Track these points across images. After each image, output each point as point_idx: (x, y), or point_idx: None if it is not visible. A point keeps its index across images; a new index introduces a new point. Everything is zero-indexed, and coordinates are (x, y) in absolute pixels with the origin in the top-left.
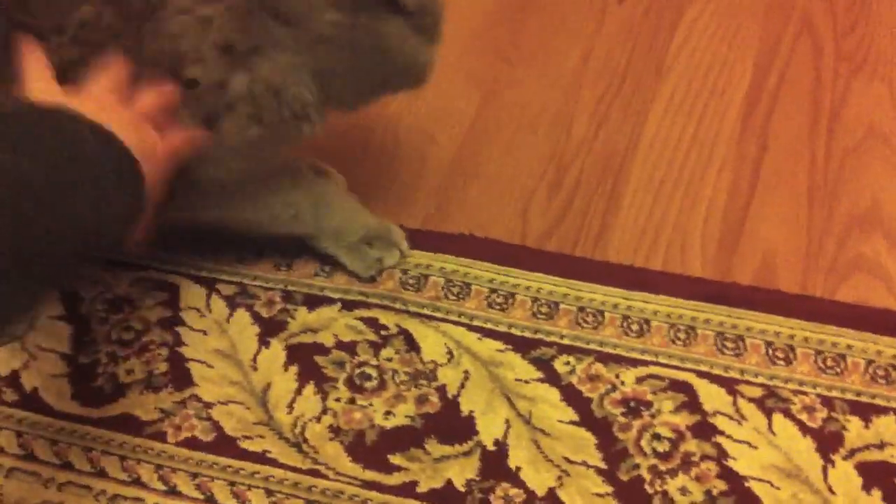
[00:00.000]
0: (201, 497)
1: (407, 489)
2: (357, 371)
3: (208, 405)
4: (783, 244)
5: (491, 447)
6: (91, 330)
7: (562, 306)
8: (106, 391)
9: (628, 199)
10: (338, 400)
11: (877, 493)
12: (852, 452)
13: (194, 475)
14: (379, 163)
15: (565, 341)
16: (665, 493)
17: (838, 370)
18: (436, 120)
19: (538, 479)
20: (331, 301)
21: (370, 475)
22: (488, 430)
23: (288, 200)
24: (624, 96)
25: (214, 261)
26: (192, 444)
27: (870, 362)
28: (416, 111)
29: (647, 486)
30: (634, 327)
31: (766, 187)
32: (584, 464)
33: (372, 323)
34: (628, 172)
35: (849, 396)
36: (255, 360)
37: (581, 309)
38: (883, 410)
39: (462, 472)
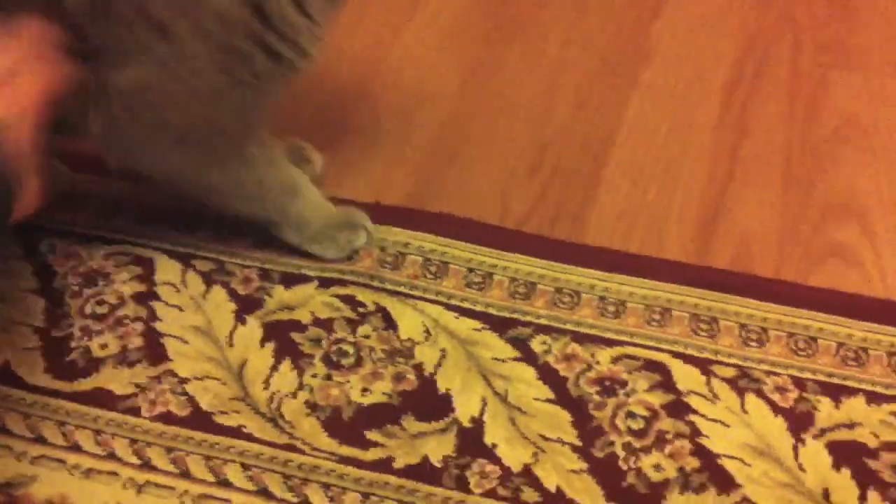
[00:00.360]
0: (176, 471)
1: (383, 465)
2: (334, 348)
3: (183, 380)
4: (759, 229)
5: (467, 424)
6: (64, 304)
7: (539, 287)
8: (79, 365)
9: (607, 183)
10: (314, 376)
11: (846, 472)
12: (823, 432)
13: (169, 449)
14: (359, 142)
15: (542, 321)
16: (639, 470)
17: (810, 352)
18: (416, 101)
19: (514, 456)
20: (308, 279)
21: (347, 451)
22: (465, 408)
23: (257, 174)
24: (604, 81)
25: (191, 236)
26: (166, 418)
27: (840, 345)
28: (397, 92)
29: (621, 463)
30: (611, 308)
31: (743, 173)
32: (560, 441)
33: (349, 300)
34: (607, 156)
35: (820, 378)
36: (231, 336)
37: (558, 290)
38: (853, 391)
39: (439, 448)
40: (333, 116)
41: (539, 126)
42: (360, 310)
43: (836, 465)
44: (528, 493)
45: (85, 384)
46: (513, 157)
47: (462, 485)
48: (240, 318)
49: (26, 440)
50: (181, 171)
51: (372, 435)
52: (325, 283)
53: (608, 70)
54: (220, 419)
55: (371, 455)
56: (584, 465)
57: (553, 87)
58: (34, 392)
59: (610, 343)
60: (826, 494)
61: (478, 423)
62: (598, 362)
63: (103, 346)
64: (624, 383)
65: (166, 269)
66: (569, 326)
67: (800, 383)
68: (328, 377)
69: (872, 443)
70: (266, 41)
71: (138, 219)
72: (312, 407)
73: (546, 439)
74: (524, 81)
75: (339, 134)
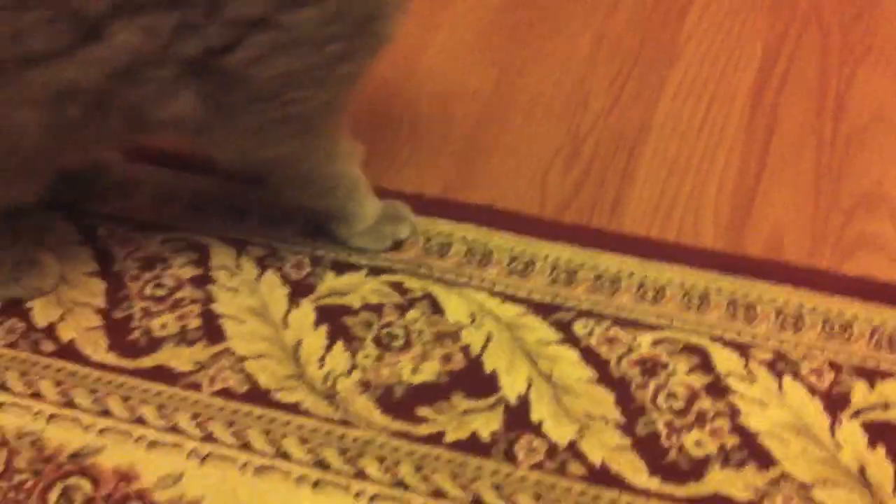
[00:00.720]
0: (237, 443)
1: (434, 439)
2: (384, 331)
3: (241, 359)
4: (791, 221)
5: (514, 402)
6: (124, 286)
7: (579, 274)
8: (141, 344)
9: (643, 174)
10: (366, 357)
11: (881, 450)
12: (858, 412)
13: (230, 423)
14: (398, 135)
15: (584, 306)
16: (681, 447)
17: (845, 337)
18: (454, 95)
19: (560, 432)
20: (358, 267)
21: (399, 426)
22: (511, 387)
23: (337, 167)
24: (636, 77)
25: (243, 224)
26: (226, 394)
27: (875, 330)
28: (434, 86)
29: (663, 440)
30: (650, 294)
31: (774, 166)
32: (604, 418)
33: (397, 287)
34: (642, 149)
35: (855, 362)
36: (285, 318)
37: (598, 277)
38: (888, 375)
39: (487, 424)
40: (373, 110)
41: (575, 119)
42: (409, 296)
43: (872, 444)
44: (575, 467)
45: (147, 361)
46: (550, 149)
47: (510, 458)
48: (293, 301)
49: (93, 413)
50: (279, 160)
51: (423, 411)
52: (374, 271)
53: (640, 66)
54: (277, 395)
55: (422, 430)
56: (628, 442)
57: (587, 82)
58: (99, 369)
59: (650, 327)
60: (862, 471)
61: (524, 400)
62: (638, 345)
63: (163, 326)
64: (665, 365)
65: (220, 255)
66: (609, 311)
67: (835, 366)
68: (379, 358)
69: None
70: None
71: (192, 207)
72: (365, 385)
73: (590, 417)
74: (559, 77)
75: (379, 127)
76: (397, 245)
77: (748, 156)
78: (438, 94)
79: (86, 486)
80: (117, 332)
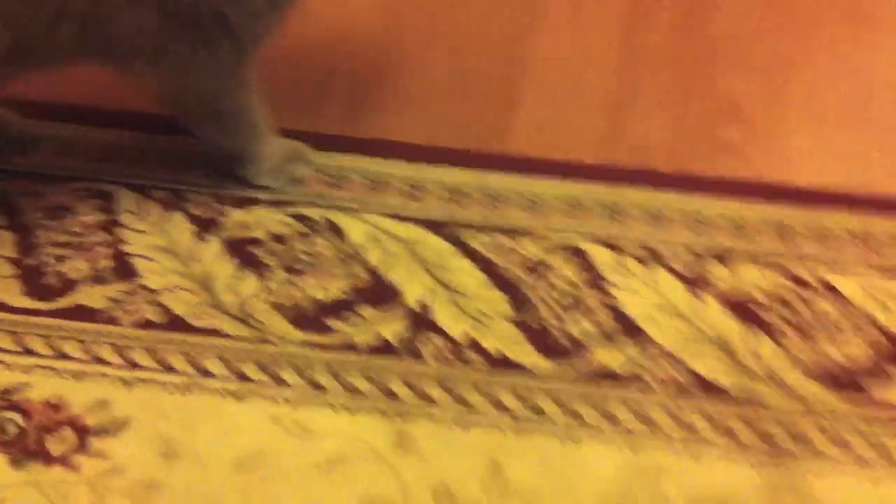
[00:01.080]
0: (160, 367)
1: (345, 346)
2: (290, 257)
3: (156, 292)
4: (659, 132)
5: (417, 309)
6: (33, 235)
7: (469, 193)
8: (56, 287)
9: (525, 101)
10: (276, 282)
11: (741, 322)
12: (719, 291)
13: (151, 350)
14: (287, 75)
15: (474, 221)
16: (569, 334)
17: (705, 229)
18: (341, 35)
19: (460, 330)
20: (259, 202)
21: (312, 338)
22: (413, 295)
23: (247, 106)
24: (513, 10)
25: (145, 170)
26: (145, 325)
27: (733, 223)
28: (324, 31)
29: (553, 330)
30: (532, 206)
31: (644, 85)
32: (498, 315)
33: (300, 218)
34: (523, 77)
35: (714, 249)
36: (194, 253)
37: (486, 194)
38: (741, 258)
39: (392, 328)
40: (268, 56)
41: (459, 53)
42: (311, 224)
43: (733, 317)
44: (474, 358)
45: (63, 302)
46: (437, 82)
47: (416, 355)
48: (200, 237)
49: (15, 353)
50: (207, 94)
51: (333, 323)
52: (275, 205)
53: (512, 4)
54: (195, 322)
55: (333, 339)
56: (521, 334)
57: (468, 19)
58: (16, 313)
59: (535, 234)
60: (725, 341)
61: (425, 307)
62: (525, 251)
63: (76, 269)
64: (549, 266)
65: (125, 200)
66: (498, 224)
67: (697, 255)
68: (289, 282)
69: (761, 297)
70: None
71: (93, 158)
72: (278, 307)
73: (486, 315)
74: (441, 16)
75: (275, 71)
76: (298, 182)
77: (620, 77)
78: (328, 38)
79: (17, 418)
80: (31, 278)
